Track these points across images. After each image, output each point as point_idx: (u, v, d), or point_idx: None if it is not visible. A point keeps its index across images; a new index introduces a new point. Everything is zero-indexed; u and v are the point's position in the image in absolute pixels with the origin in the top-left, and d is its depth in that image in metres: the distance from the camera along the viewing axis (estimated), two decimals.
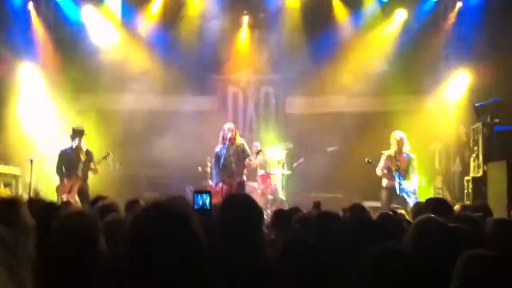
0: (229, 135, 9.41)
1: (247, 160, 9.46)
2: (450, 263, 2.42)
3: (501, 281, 2.18)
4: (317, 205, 6.30)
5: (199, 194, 4.54)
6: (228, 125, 9.67)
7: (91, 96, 12.26)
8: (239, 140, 9.62)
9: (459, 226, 3.09)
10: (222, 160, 9.38)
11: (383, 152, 9.43)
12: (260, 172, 11.20)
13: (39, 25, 11.85)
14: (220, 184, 9.31)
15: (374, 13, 12.51)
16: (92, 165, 9.43)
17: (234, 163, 9.45)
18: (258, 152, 10.03)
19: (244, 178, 9.64)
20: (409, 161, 9.38)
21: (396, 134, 9.42)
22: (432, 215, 3.10)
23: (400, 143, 9.35)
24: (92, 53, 12.13)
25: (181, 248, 1.82)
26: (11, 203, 2.72)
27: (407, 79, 11.90)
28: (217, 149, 9.54)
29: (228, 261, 2.51)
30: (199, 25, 12.60)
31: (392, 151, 9.37)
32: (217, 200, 9.13)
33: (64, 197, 8.86)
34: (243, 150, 9.54)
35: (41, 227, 2.79)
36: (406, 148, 9.39)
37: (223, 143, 9.46)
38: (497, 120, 9.52)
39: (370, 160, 9.31)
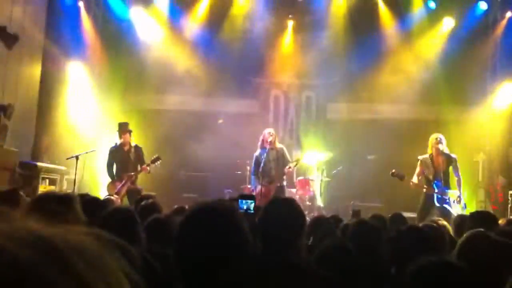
0: (269, 139, 9.42)
1: (286, 167, 9.45)
2: (500, 280, 2.36)
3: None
4: (357, 213, 6.25)
5: (243, 199, 4.59)
6: (268, 130, 9.69)
7: (136, 96, 12.46)
8: (279, 145, 9.62)
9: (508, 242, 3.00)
10: (262, 165, 9.38)
11: (418, 157, 9.18)
12: (299, 177, 11.16)
13: (88, 24, 12.06)
14: (259, 187, 9.32)
15: (421, 20, 12.34)
16: (144, 166, 9.34)
17: (273, 168, 9.45)
18: (297, 161, 9.95)
19: (284, 183, 9.63)
20: (449, 161, 8.89)
21: (433, 136, 9.07)
22: (483, 230, 2.99)
23: (435, 142, 8.86)
24: (138, 53, 12.34)
25: (229, 248, 1.87)
26: (66, 199, 2.80)
27: (453, 88, 11.70)
28: (257, 153, 9.56)
29: (268, 261, 2.52)
30: (243, 27, 12.66)
31: (427, 154, 8.99)
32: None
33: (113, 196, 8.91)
34: (283, 155, 9.54)
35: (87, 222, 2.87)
36: (445, 149, 8.89)
37: (263, 147, 9.48)
38: None
39: (395, 172, 8.82)
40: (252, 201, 4.54)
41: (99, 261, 0.63)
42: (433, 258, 1.98)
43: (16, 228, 0.60)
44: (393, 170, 8.91)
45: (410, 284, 1.94)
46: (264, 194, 9.13)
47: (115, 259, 0.66)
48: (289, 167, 9.49)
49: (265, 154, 9.39)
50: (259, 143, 9.57)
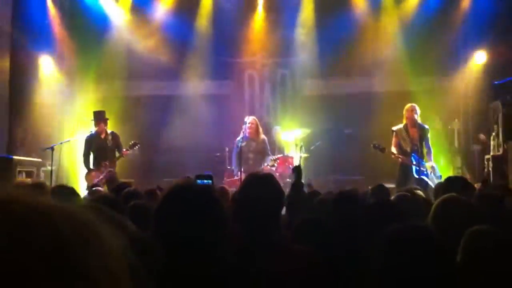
0: (248, 130, 9.50)
1: (264, 164, 9.52)
2: None
3: (501, 256, 2.20)
4: (310, 186, 6.57)
5: (201, 179, 4.61)
6: (249, 119, 9.75)
7: (109, 84, 12.33)
8: (261, 137, 9.67)
9: (483, 206, 3.06)
10: (240, 152, 9.45)
11: (392, 128, 9.26)
12: (278, 155, 11.20)
13: (55, 14, 11.87)
14: (239, 174, 9.36)
15: None
16: (124, 151, 9.36)
17: (251, 159, 9.52)
18: (275, 160, 9.99)
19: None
20: (422, 131, 9.02)
21: (407, 105, 9.15)
22: (455, 194, 3.04)
23: (409, 113, 8.99)
24: (108, 41, 12.20)
25: (206, 224, 1.89)
26: (37, 187, 2.79)
27: (425, 59, 11.77)
28: (238, 139, 9.63)
29: (244, 239, 2.53)
30: (213, 7, 12.57)
31: (401, 125, 9.08)
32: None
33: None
34: (263, 148, 9.63)
35: None
36: (418, 119, 9.00)
37: (244, 135, 9.56)
38: None
39: (376, 144, 8.93)
40: (209, 181, 4.57)
41: (92, 230, 0.66)
42: (402, 224, 2.02)
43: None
44: (374, 142, 9.01)
45: (380, 251, 1.98)
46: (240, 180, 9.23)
47: (113, 233, 0.69)
48: (268, 165, 9.58)
49: (244, 143, 9.45)
50: (242, 130, 9.67)
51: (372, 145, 9.01)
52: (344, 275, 2.86)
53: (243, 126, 9.68)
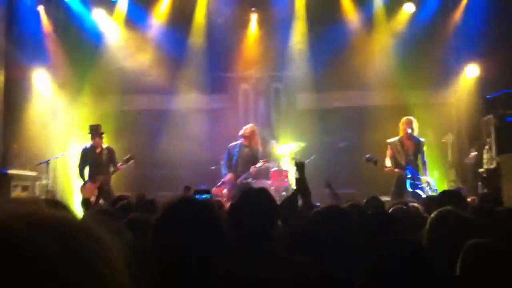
0: (242, 133, 9.58)
1: (252, 167, 9.62)
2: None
3: (499, 269, 2.22)
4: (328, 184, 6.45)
5: (199, 194, 4.63)
6: (248, 126, 9.84)
7: (104, 99, 12.33)
8: (256, 146, 9.74)
9: (478, 219, 3.08)
10: (233, 157, 9.62)
11: (387, 141, 9.30)
12: (273, 169, 11.22)
13: (49, 28, 11.90)
14: (229, 175, 9.60)
15: (383, 7, 12.48)
16: (119, 165, 9.42)
17: (240, 165, 9.59)
18: (265, 161, 10.09)
19: (249, 179, 9.82)
20: (418, 145, 9.05)
21: (404, 118, 9.20)
22: (450, 208, 3.07)
23: (405, 125, 9.01)
24: (102, 56, 12.24)
25: (205, 235, 1.92)
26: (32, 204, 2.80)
27: (418, 72, 11.86)
28: (233, 144, 9.72)
29: (238, 249, 2.57)
30: (207, 22, 12.64)
31: (396, 138, 9.11)
32: (226, 189, 9.46)
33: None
34: (255, 157, 9.67)
35: None
36: (414, 132, 9.03)
37: (239, 140, 9.66)
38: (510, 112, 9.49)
39: (369, 157, 8.86)
40: (207, 195, 4.59)
41: (95, 236, 0.71)
42: (395, 238, 2.05)
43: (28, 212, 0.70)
44: (367, 155, 9.03)
45: (372, 265, 2.01)
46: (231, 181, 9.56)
47: (110, 238, 0.74)
48: (255, 167, 9.63)
49: (237, 149, 9.51)
50: (238, 136, 9.77)
51: (364, 158, 9.01)
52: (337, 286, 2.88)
53: (240, 132, 9.83)
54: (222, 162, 10.48)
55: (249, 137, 9.65)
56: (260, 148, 9.91)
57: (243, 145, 9.59)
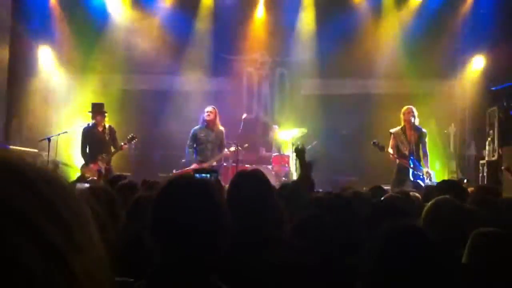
0: (207, 118, 9.47)
1: (226, 150, 9.57)
2: (463, 245, 2.45)
3: (506, 257, 2.23)
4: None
5: (198, 173, 4.61)
6: (208, 108, 9.71)
7: (108, 77, 12.30)
8: (220, 128, 9.64)
9: (475, 208, 3.09)
10: (198, 142, 9.48)
11: (390, 131, 9.28)
12: (274, 154, 11.21)
13: (56, 6, 11.87)
14: (194, 165, 9.29)
15: None
16: (123, 145, 9.37)
17: (209, 149, 9.50)
18: (246, 147, 10.10)
19: (225, 163, 9.85)
20: (420, 134, 9.05)
21: (405, 107, 9.19)
22: (448, 196, 3.07)
23: (406, 115, 9.02)
24: (108, 35, 12.20)
25: (204, 214, 1.92)
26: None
27: (424, 62, 11.80)
28: (195, 128, 9.60)
29: (243, 235, 2.56)
30: (214, 5, 12.58)
31: (399, 127, 9.11)
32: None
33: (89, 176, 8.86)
34: (221, 140, 9.61)
35: None
36: (416, 121, 9.04)
37: (202, 123, 9.53)
38: None
39: (376, 142, 8.97)
40: (208, 174, 4.55)
41: (60, 184, 0.70)
42: (397, 223, 2.04)
43: None
44: (374, 140, 9.03)
45: (376, 250, 2.00)
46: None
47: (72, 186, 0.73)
48: (228, 150, 9.60)
49: (203, 133, 9.44)
50: (200, 121, 9.64)
51: (372, 143, 9.03)
52: (340, 272, 2.89)
53: (201, 115, 9.66)
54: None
55: (213, 120, 9.57)
56: (223, 129, 9.79)
57: (206, 128, 9.51)
